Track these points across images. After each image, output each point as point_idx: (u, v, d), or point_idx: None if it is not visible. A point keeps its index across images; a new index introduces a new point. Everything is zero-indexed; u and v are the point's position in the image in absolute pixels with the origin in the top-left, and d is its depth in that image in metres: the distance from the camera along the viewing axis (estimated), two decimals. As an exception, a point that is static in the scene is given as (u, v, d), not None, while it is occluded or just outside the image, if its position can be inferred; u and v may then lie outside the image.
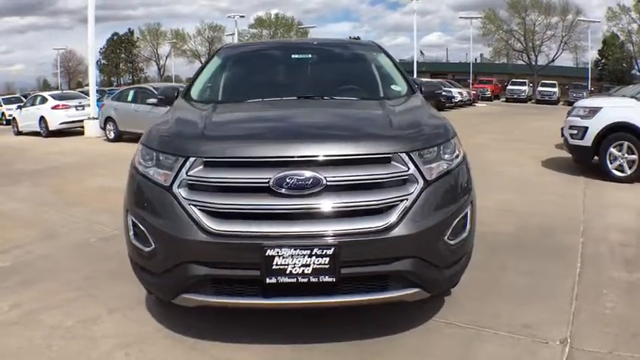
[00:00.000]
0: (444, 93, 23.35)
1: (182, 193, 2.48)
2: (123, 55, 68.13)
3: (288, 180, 2.36)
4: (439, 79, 32.50)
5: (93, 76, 17.11)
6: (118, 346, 2.72)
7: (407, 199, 2.46)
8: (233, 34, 48.55)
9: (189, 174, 2.49)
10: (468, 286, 3.18)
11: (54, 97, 16.96)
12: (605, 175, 7.05)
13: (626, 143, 6.94)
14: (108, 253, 4.17)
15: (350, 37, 36.05)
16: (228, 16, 49.98)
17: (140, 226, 2.63)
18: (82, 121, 15.87)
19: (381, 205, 2.43)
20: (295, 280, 2.34)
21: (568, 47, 52.08)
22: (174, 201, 2.49)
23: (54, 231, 4.99)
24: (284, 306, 2.54)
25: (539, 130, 14.47)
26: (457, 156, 2.76)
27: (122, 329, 2.91)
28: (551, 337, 2.74)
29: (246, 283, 2.46)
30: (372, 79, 3.93)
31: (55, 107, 15.96)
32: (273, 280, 2.35)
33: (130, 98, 13.71)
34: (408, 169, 2.49)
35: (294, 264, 2.32)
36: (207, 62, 4.19)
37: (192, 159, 2.50)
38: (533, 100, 37.98)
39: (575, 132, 7.42)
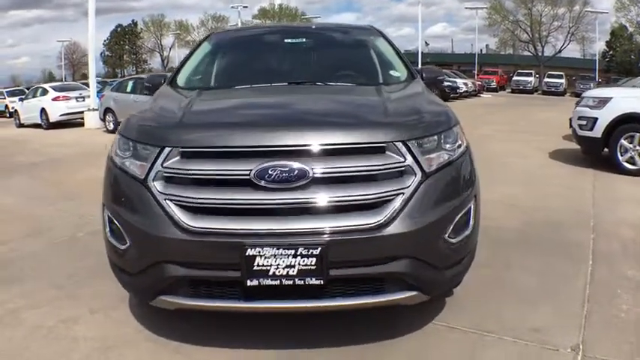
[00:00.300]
0: (448, 83, 23.09)
1: (157, 186, 2.28)
2: (127, 47, 68.32)
3: (270, 172, 2.15)
4: (444, 70, 32.17)
5: (93, 68, 16.93)
6: (97, 350, 2.56)
7: (403, 193, 2.22)
8: (236, 24, 48.25)
9: (164, 165, 2.28)
10: (470, 286, 2.96)
11: (54, 88, 16.93)
12: (615, 168, 6.84)
13: (637, 135, 6.75)
14: (94, 249, 3.98)
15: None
16: (232, 7, 49.81)
17: (116, 222, 2.44)
18: (82, 112, 15.84)
19: (374, 200, 2.20)
20: (279, 282, 2.14)
21: (575, 38, 51.39)
22: (149, 195, 2.28)
23: (43, 225, 4.85)
24: (267, 310, 2.32)
25: (545, 121, 14.20)
26: (459, 146, 2.52)
27: (103, 331, 2.76)
28: (562, 343, 2.52)
29: (227, 285, 2.25)
30: (370, 64, 3.68)
31: (55, 99, 15.94)
32: (255, 283, 2.14)
33: (128, 89, 13.55)
34: (405, 159, 2.27)
35: (278, 265, 2.11)
36: (195, 48, 3.92)
37: (167, 149, 2.29)
38: (539, 92, 37.54)
39: (585, 123, 7.20)
